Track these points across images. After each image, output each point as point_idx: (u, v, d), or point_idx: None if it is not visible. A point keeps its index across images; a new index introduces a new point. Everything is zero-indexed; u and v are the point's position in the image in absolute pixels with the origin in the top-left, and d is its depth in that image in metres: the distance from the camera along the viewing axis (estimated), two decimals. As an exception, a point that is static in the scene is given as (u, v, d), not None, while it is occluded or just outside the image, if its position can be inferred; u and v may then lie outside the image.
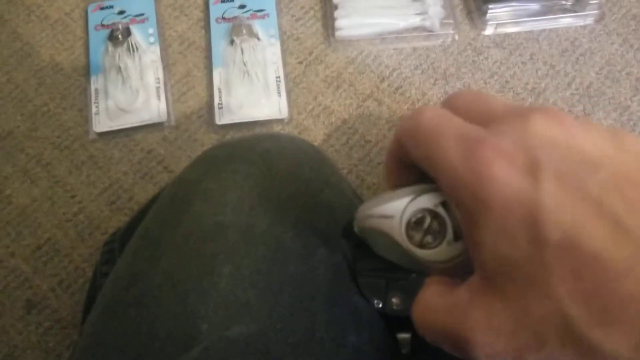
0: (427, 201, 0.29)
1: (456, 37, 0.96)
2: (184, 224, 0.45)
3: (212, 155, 0.52)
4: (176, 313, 0.40)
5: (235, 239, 0.44)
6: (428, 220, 0.30)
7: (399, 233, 0.30)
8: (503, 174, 0.23)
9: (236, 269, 0.42)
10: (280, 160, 0.50)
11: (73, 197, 0.85)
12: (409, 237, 0.30)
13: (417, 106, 0.92)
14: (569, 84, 0.92)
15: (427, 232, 0.30)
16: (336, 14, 0.97)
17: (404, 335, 0.49)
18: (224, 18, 0.98)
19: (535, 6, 0.98)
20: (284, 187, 0.48)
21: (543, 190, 0.22)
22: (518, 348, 0.24)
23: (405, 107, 0.91)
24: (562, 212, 0.22)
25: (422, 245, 0.30)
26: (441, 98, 0.92)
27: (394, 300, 0.42)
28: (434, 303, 0.28)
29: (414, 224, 0.30)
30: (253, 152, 0.50)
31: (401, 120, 0.30)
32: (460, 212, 0.26)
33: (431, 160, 0.26)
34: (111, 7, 1.00)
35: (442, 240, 0.29)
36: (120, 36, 0.94)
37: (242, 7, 0.99)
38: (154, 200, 0.57)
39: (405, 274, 0.35)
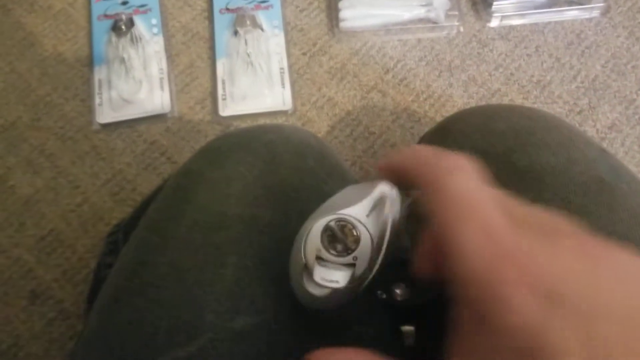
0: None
1: (461, 29, 0.96)
2: (189, 214, 0.45)
3: (215, 146, 0.52)
4: (181, 303, 0.40)
5: (240, 230, 0.43)
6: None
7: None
8: (521, 301, 0.22)
9: (241, 260, 0.42)
10: (284, 151, 0.50)
11: (76, 187, 0.85)
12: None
13: (421, 99, 0.91)
14: (575, 77, 0.92)
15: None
16: (340, 4, 0.97)
17: (408, 328, 0.49)
18: (227, 9, 0.98)
19: (540, -2, 0.97)
20: (287, 178, 0.48)
21: (555, 327, 0.21)
22: None
23: (410, 99, 0.91)
24: (567, 354, 0.21)
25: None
26: (446, 90, 0.92)
27: (398, 291, 0.42)
28: None
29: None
30: (257, 143, 0.50)
31: (426, 154, 0.28)
32: (462, 306, 0.25)
33: (447, 237, 0.25)
34: (114, -3, 0.99)
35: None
36: (123, 27, 0.93)
37: (245, -3, 0.99)
38: (157, 191, 0.57)
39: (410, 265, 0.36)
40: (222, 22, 0.97)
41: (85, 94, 0.92)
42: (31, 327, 0.77)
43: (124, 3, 0.98)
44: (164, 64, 0.93)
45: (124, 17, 0.95)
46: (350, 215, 0.31)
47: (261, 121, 0.89)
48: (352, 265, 0.31)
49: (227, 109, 0.90)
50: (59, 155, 0.87)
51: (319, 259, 0.31)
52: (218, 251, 0.42)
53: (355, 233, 0.31)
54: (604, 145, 0.86)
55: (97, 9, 0.98)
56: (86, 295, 0.68)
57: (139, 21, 0.96)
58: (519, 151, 0.48)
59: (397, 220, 0.33)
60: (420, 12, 0.96)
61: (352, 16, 0.96)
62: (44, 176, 0.85)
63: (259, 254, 0.43)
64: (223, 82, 0.91)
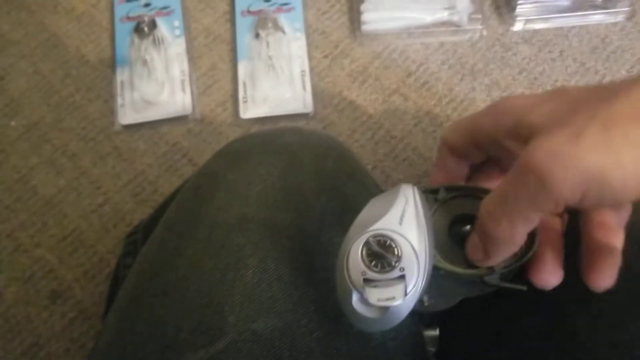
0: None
1: (484, 32, 0.95)
2: (209, 216, 0.45)
3: (235, 148, 0.52)
4: (202, 305, 0.40)
5: (260, 232, 0.43)
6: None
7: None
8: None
9: (261, 262, 0.42)
10: (303, 153, 0.50)
11: (98, 188, 0.85)
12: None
13: (443, 103, 0.91)
14: (599, 82, 0.91)
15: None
16: (362, 7, 0.97)
17: (432, 333, 0.48)
18: (249, 11, 0.98)
19: (565, 2, 0.96)
20: (307, 180, 0.47)
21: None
22: None
23: (432, 103, 0.90)
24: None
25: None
26: (468, 94, 0.91)
27: (424, 297, 0.41)
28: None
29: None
30: (276, 145, 0.50)
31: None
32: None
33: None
34: (137, -1, 1.00)
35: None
36: (146, 29, 0.94)
37: (267, 0, 0.99)
38: (176, 192, 0.57)
39: (436, 271, 0.35)
40: (243, 25, 0.97)
41: (107, 95, 0.92)
42: (52, 327, 0.77)
43: (147, 5, 0.99)
44: (185, 66, 0.93)
45: (146, 19, 0.95)
46: (384, 229, 0.31)
47: (282, 124, 0.89)
48: (401, 277, 0.30)
49: (248, 112, 0.89)
50: (81, 156, 0.88)
51: (367, 280, 0.31)
52: (239, 252, 0.42)
53: (394, 245, 0.31)
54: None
55: (120, 11, 0.99)
56: (106, 296, 0.68)
57: (161, 23, 0.96)
58: None
59: (429, 219, 0.33)
60: (443, 15, 0.95)
61: (374, 19, 0.95)
62: (66, 176, 0.86)
63: (280, 256, 0.42)
64: (244, 85, 0.91)
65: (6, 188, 0.85)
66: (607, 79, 0.91)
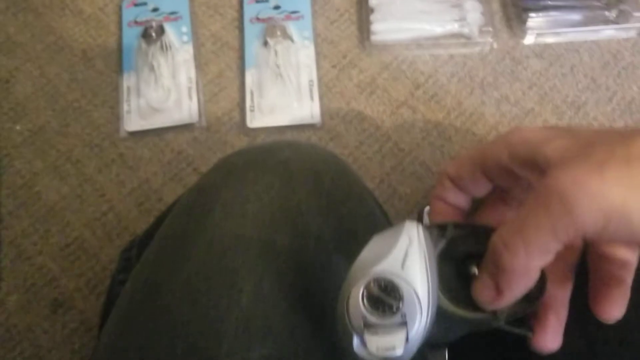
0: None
1: (495, 45, 0.94)
2: (204, 235, 0.44)
3: (231, 163, 0.51)
4: (195, 331, 0.39)
5: (256, 254, 0.42)
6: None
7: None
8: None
9: (257, 287, 0.41)
10: (300, 169, 0.49)
11: (102, 195, 0.84)
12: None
13: (452, 116, 0.90)
14: (610, 99, 0.90)
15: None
16: (372, 17, 0.96)
17: (440, 354, 0.47)
18: (258, 18, 0.97)
19: (577, 16, 0.95)
20: (304, 199, 0.46)
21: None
22: None
23: (441, 116, 0.90)
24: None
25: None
26: (478, 108, 0.90)
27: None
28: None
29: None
30: (273, 160, 0.49)
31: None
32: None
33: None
34: (145, 3, 0.99)
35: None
36: (153, 34, 0.93)
37: (276, 7, 0.98)
38: (172, 207, 0.56)
39: (440, 310, 0.34)
40: (252, 32, 0.96)
41: (113, 100, 0.91)
42: (52, 337, 0.77)
43: (155, 10, 0.98)
44: (192, 73, 0.93)
45: (154, 24, 0.94)
46: (385, 272, 0.30)
47: (288, 134, 0.88)
48: (403, 324, 0.30)
49: (254, 121, 0.89)
50: (85, 162, 0.87)
51: (367, 325, 0.30)
52: (234, 276, 0.41)
53: (396, 289, 0.30)
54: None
55: (128, 15, 0.98)
56: (100, 314, 0.67)
57: (169, 29, 0.95)
58: None
59: (434, 259, 0.32)
60: (454, 27, 0.94)
61: (383, 29, 0.95)
62: (70, 183, 0.85)
63: (275, 281, 0.41)
64: (251, 93, 0.91)
65: (10, 193, 0.85)
66: (619, 96, 0.90)
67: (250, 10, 0.98)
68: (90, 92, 0.92)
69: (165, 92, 0.90)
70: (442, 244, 0.36)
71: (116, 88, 0.92)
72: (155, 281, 0.44)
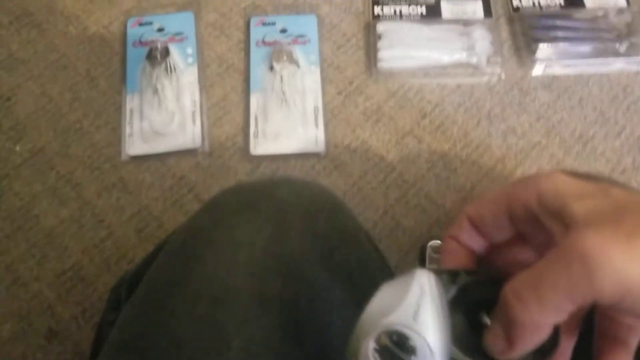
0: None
1: (502, 76, 0.93)
2: (192, 284, 0.42)
3: (224, 202, 0.50)
4: None
5: (246, 307, 0.41)
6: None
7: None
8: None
9: (246, 343, 0.39)
10: (294, 211, 0.48)
11: (101, 221, 0.83)
12: None
13: (458, 147, 0.88)
14: (619, 134, 0.89)
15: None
16: (379, 44, 0.95)
17: None
18: (264, 42, 0.96)
19: (586, 48, 0.94)
20: (297, 245, 0.45)
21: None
22: None
23: (446, 147, 0.88)
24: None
25: None
26: (484, 140, 0.89)
27: None
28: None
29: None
30: (266, 201, 0.48)
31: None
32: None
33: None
34: (150, 23, 0.98)
35: None
36: (158, 56, 0.92)
37: (283, 31, 0.97)
38: (163, 245, 0.55)
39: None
40: (258, 55, 0.95)
41: (116, 122, 0.90)
42: (47, 368, 0.75)
43: (160, 30, 0.97)
44: (197, 96, 0.91)
45: (159, 45, 0.93)
46: (397, 324, 0.29)
47: (292, 162, 0.87)
48: None
49: (258, 147, 0.88)
50: (85, 185, 0.86)
51: None
52: (222, 330, 0.40)
53: (408, 342, 0.29)
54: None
55: (133, 34, 0.97)
56: (89, 353, 0.66)
57: (174, 49, 0.94)
58: None
59: (446, 309, 0.32)
60: (461, 56, 0.93)
61: (391, 56, 0.94)
62: (69, 207, 0.84)
63: (265, 337, 0.40)
64: (256, 118, 0.90)
65: (7, 216, 0.83)
66: (627, 131, 0.89)
67: (256, 32, 0.97)
68: (93, 112, 0.91)
69: (169, 116, 0.89)
70: (453, 290, 0.35)
71: (119, 109, 0.91)
72: (140, 332, 0.42)
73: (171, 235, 0.54)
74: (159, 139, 0.88)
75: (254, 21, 0.98)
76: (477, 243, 0.36)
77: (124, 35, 0.98)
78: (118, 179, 0.86)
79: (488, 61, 0.93)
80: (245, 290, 0.42)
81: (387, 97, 0.92)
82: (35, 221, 0.83)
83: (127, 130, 0.89)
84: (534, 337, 0.29)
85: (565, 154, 0.87)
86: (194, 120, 0.89)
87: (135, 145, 0.88)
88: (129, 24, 0.98)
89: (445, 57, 0.93)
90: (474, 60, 0.93)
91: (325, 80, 0.93)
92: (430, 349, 0.29)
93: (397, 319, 0.29)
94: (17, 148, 0.88)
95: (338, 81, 0.94)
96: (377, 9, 0.99)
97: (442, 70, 0.93)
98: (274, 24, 0.97)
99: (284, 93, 0.90)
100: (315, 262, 0.45)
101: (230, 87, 0.94)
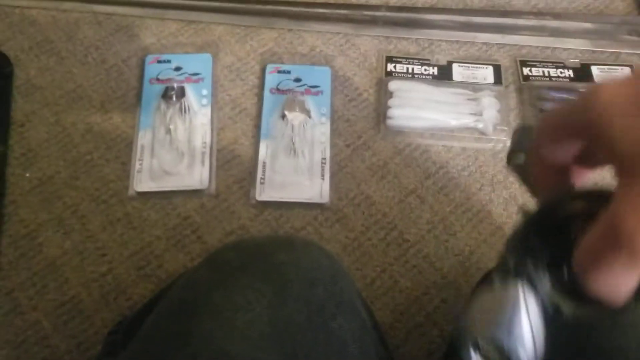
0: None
1: (508, 143, 0.95)
2: (191, 345, 0.43)
3: (225, 260, 0.51)
4: None
5: None
6: None
7: None
8: None
9: None
10: (294, 277, 0.49)
11: (103, 255, 0.84)
12: None
13: (459, 211, 0.90)
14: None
15: None
16: (390, 102, 0.97)
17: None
18: (278, 89, 0.98)
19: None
20: (295, 313, 0.47)
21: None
22: None
23: (448, 210, 0.90)
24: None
25: None
26: (485, 206, 0.91)
27: None
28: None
29: None
30: (267, 264, 0.49)
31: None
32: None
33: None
34: (169, 61, 1.00)
35: None
36: (174, 96, 0.94)
37: (297, 80, 0.99)
38: (162, 293, 0.56)
39: None
40: (271, 102, 0.97)
41: (126, 157, 0.91)
42: (37, 401, 0.76)
43: (178, 69, 0.99)
44: (208, 138, 0.93)
45: (175, 85, 0.95)
46: (493, 339, 0.34)
47: (296, 211, 0.89)
48: None
49: (264, 194, 0.89)
50: (90, 218, 0.87)
51: None
52: None
53: (504, 351, 0.33)
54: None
55: (150, 71, 0.99)
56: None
57: (189, 90, 0.96)
58: None
59: (541, 315, 0.34)
60: (469, 121, 0.95)
61: (400, 115, 0.96)
62: (73, 238, 0.85)
63: None
64: (264, 165, 0.91)
65: (12, 242, 0.84)
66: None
67: (271, 79, 0.99)
68: (104, 145, 0.93)
69: (179, 156, 0.90)
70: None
71: (130, 144, 0.92)
72: None
73: (171, 285, 0.55)
74: (167, 178, 0.89)
75: (269, 68, 1.00)
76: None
77: (142, 71, 1.00)
78: (123, 214, 0.87)
79: (494, 128, 0.95)
80: (240, 356, 0.43)
81: (393, 154, 0.94)
82: (39, 250, 0.84)
83: (137, 166, 0.90)
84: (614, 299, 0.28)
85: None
86: (202, 162, 0.91)
87: (143, 182, 0.89)
88: (148, 60, 1.00)
89: (453, 120, 0.95)
90: (480, 126, 0.95)
91: (334, 133, 0.95)
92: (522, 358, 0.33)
93: (493, 334, 0.34)
94: (27, 175, 0.89)
95: (347, 134, 0.96)
96: (390, 66, 1.02)
97: (449, 133, 0.96)
98: (289, 72, 1.00)
99: (293, 143, 0.92)
100: (312, 331, 0.47)
101: (241, 131, 0.95)
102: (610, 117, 0.26)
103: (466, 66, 1.01)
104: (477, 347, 0.34)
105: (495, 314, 0.34)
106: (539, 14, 1.08)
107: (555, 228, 0.33)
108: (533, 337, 0.33)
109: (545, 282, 0.33)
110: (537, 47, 1.04)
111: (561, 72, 1.01)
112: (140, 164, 0.90)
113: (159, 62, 1.00)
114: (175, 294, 0.51)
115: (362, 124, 0.97)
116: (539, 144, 0.32)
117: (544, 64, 1.02)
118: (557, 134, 0.31)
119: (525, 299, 0.33)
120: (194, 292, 0.49)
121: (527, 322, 0.33)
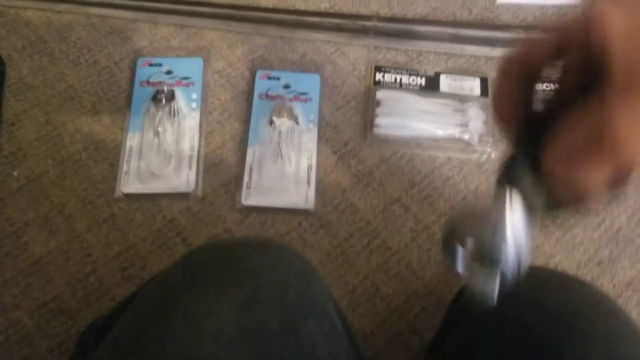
0: None
1: (492, 155, 0.96)
2: (161, 348, 0.44)
3: (199, 262, 0.51)
4: None
5: None
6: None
7: None
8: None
9: None
10: (266, 280, 0.49)
11: (88, 255, 0.85)
12: None
13: (442, 220, 0.91)
14: (599, 225, 0.92)
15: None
16: (378, 110, 0.98)
17: None
18: (267, 95, 0.99)
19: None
20: (266, 318, 0.47)
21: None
22: None
23: (431, 219, 0.91)
24: None
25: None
26: (468, 216, 0.91)
27: None
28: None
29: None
30: (241, 267, 0.50)
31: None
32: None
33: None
34: (160, 64, 1.01)
35: None
36: (164, 99, 0.94)
37: (286, 87, 1.00)
38: (134, 296, 0.56)
39: None
40: (259, 108, 0.98)
41: (114, 158, 0.92)
42: (17, 399, 0.76)
43: (169, 72, 1.00)
44: (196, 141, 0.94)
45: (165, 88, 0.96)
46: (479, 239, 0.37)
47: (280, 216, 0.90)
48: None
49: (249, 199, 0.90)
50: (77, 218, 0.88)
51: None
52: None
53: (488, 253, 0.36)
54: (620, 302, 0.86)
55: (141, 73, 1.00)
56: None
57: (179, 94, 0.97)
58: (565, 340, 0.48)
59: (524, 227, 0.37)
60: (455, 132, 0.96)
61: (387, 124, 0.97)
62: (58, 238, 0.86)
63: None
64: (250, 170, 0.92)
65: (-3, 240, 0.85)
66: (607, 223, 0.92)
67: (261, 85, 1.00)
68: (93, 146, 0.94)
69: (166, 159, 0.91)
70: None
71: (118, 146, 0.93)
72: None
73: (144, 287, 0.56)
74: (154, 180, 0.90)
75: (259, 74, 1.01)
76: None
77: (133, 73, 1.00)
78: (109, 215, 0.88)
79: (480, 139, 0.96)
80: None
81: (379, 162, 0.95)
82: (24, 248, 0.85)
83: (124, 167, 0.91)
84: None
85: (546, 239, 0.90)
86: (190, 165, 0.92)
87: (130, 184, 0.90)
88: (139, 63, 1.01)
89: (439, 130, 0.96)
90: (466, 136, 0.96)
91: (321, 139, 0.96)
92: (508, 258, 0.36)
93: (479, 232, 0.37)
94: (15, 173, 0.90)
95: (334, 141, 0.97)
96: (379, 75, 1.03)
97: (435, 142, 0.97)
98: (278, 78, 1.01)
99: (280, 148, 0.93)
100: (282, 334, 0.47)
101: (229, 135, 0.96)
102: (614, 27, 0.26)
103: (454, 77, 1.03)
104: (464, 244, 0.37)
105: (483, 216, 0.37)
106: (527, 27, 1.09)
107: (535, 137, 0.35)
108: (516, 238, 0.36)
109: (525, 182, 0.36)
110: (525, 60, 1.05)
111: (547, 86, 1.02)
112: (128, 166, 0.91)
113: (151, 65, 1.01)
114: (148, 295, 0.51)
115: (349, 131, 0.98)
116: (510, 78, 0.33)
117: (530, 77, 1.03)
118: (535, 58, 0.31)
119: (510, 202, 0.36)
120: (165, 294, 0.49)
121: (511, 223, 0.36)
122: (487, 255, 0.36)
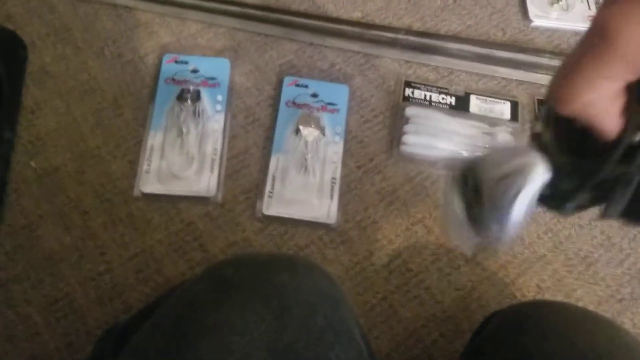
0: None
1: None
2: None
3: (226, 277, 0.50)
4: None
5: None
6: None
7: None
8: None
9: None
10: (294, 301, 0.48)
11: (102, 254, 0.83)
12: None
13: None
14: (622, 261, 0.90)
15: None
16: (406, 127, 0.96)
17: None
18: (294, 103, 0.97)
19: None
20: (294, 341, 0.45)
21: None
22: None
23: (453, 244, 0.89)
24: None
25: None
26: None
27: None
28: None
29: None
30: (268, 286, 0.48)
31: None
32: None
33: None
34: (186, 62, 0.99)
35: None
36: (189, 99, 0.92)
37: (314, 95, 0.98)
38: (158, 302, 0.54)
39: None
40: (285, 115, 0.96)
41: (134, 156, 0.90)
42: (21, 398, 0.74)
43: (195, 71, 0.98)
44: (219, 145, 0.92)
45: (191, 88, 0.94)
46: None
47: (301, 229, 0.87)
48: None
49: (271, 208, 0.88)
50: (93, 215, 0.85)
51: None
52: None
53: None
54: (639, 343, 0.84)
55: (167, 70, 0.98)
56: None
57: (204, 94, 0.95)
58: None
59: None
60: (483, 155, 0.94)
61: (414, 142, 0.95)
62: (73, 234, 0.83)
63: None
64: (273, 179, 0.90)
65: (10, 232, 0.82)
66: (631, 260, 0.90)
67: (288, 92, 0.98)
68: (113, 141, 0.91)
69: (189, 160, 0.89)
70: None
71: (140, 143, 0.91)
72: None
73: (168, 296, 0.54)
74: (174, 182, 0.88)
75: (287, 80, 0.99)
76: None
77: (158, 69, 0.98)
78: (126, 215, 0.86)
79: (507, 165, 0.94)
80: None
81: (404, 181, 0.93)
82: (37, 242, 0.82)
83: (145, 166, 0.88)
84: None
85: (568, 272, 0.88)
86: (212, 169, 0.90)
87: (149, 183, 0.87)
88: (165, 59, 0.99)
89: (466, 153, 0.95)
90: (494, 161, 0.94)
91: (346, 153, 0.94)
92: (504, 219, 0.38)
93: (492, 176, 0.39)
94: (32, 163, 0.88)
95: (359, 156, 0.95)
96: (408, 91, 1.01)
97: (462, 164, 0.95)
98: (306, 87, 0.99)
99: (306, 159, 0.90)
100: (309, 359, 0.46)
101: (252, 141, 0.94)
102: None
103: (484, 99, 1.01)
104: (465, 182, 0.39)
105: (502, 163, 0.38)
106: (560, 54, 1.07)
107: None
108: (522, 204, 0.37)
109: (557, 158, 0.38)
110: (557, 87, 1.04)
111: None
112: (149, 165, 0.89)
113: (177, 62, 0.99)
114: (171, 307, 0.49)
115: (375, 146, 0.96)
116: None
117: (562, 105, 1.02)
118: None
119: (536, 170, 0.37)
120: (190, 309, 0.47)
121: (529, 189, 0.37)
122: (488, 208, 0.37)
